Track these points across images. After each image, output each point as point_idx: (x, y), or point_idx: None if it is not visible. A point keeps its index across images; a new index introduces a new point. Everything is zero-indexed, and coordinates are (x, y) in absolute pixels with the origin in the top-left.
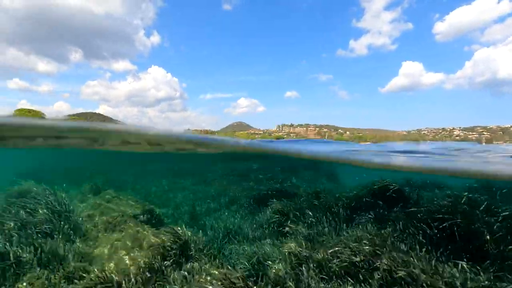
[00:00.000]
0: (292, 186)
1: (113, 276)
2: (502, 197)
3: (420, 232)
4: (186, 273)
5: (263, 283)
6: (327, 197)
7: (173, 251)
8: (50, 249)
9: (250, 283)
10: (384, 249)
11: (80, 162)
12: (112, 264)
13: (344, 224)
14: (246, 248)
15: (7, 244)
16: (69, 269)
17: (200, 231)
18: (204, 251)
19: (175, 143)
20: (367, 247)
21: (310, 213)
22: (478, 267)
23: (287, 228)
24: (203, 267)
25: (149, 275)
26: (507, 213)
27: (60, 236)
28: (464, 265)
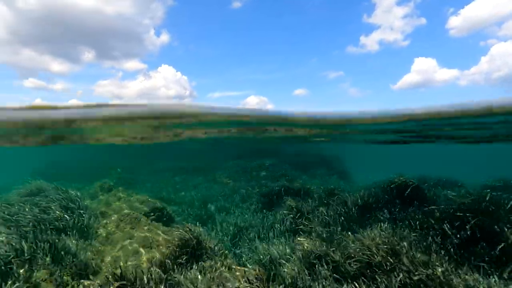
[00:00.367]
0: (304, 184)
1: (125, 274)
2: None
3: (439, 232)
4: (198, 272)
5: (275, 283)
6: (341, 195)
7: (185, 250)
8: (63, 246)
9: (265, 282)
10: (403, 249)
11: (91, 160)
12: (122, 263)
13: (359, 223)
14: (258, 246)
15: (23, 240)
16: (81, 266)
17: (211, 228)
18: (216, 250)
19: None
20: (385, 247)
21: (324, 211)
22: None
23: (301, 226)
24: (214, 267)
25: (161, 273)
26: None
27: (74, 233)
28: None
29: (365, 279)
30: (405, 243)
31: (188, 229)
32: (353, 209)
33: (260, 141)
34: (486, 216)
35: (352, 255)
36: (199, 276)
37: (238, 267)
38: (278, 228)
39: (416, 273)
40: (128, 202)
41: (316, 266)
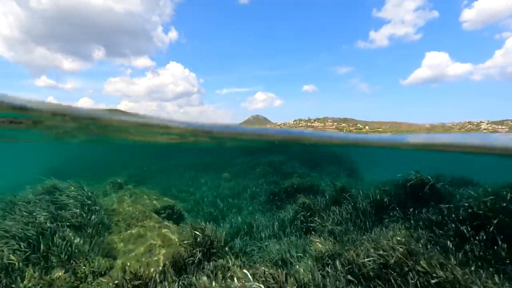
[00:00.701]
0: (314, 181)
1: (139, 273)
2: None
3: (457, 232)
4: (209, 272)
5: (287, 284)
6: (353, 193)
7: (197, 248)
8: (78, 243)
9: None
10: (419, 250)
11: (103, 158)
12: (135, 261)
13: (371, 223)
14: (269, 245)
15: (40, 237)
16: (95, 263)
17: (222, 226)
18: (227, 248)
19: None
20: (401, 248)
21: (335, 209)
22: None
23: (312, 225)
24: (227, 266)
25: (173, 272)
26: None
27: (88, 230)
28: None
29: (379, 281)
30: (421, 244)
31: (199, 227)
32: (366, 208)
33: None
34: (507, 216)
35: (366, 255)
36: (212, 276)
37: (257, 265)
38: (289, 226)
39: (434, 275)
40: (139, 200)
41: (329, 266)
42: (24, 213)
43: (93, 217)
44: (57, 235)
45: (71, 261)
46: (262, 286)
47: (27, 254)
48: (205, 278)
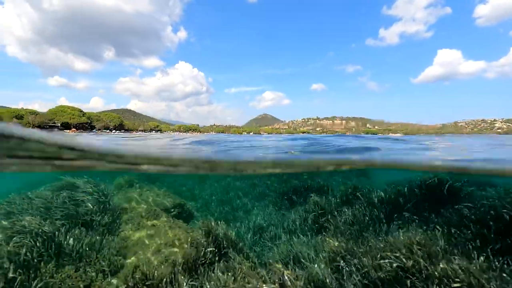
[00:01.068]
0: (324, 180)
1: (149, 273)
2: None
3: (478, 235)
4: (220, 273)
5: (301, 286)
6: (365, 193)
7: (207, 249)
8: (89, 242)
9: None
10: (440, 254)
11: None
12: (146, 261)
13: (386, 223)
14: (280, 245)
15: (52, 234)
16: (105, 262)
17: (231, 226)
18: (237, 248)
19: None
20: (419, 250)
21: (347, 209)
22: None
23: (324, 225)
24: (237, 266)
25: (184, 273)
26: None
27: (100, 229)
28: None
29: (397, 285)
30: (440, 246)
31: (209, 226)
32: (380, 208)
33: None
34: None
35: (382, 258)
36: (225, 277)
37: (277, 265)
38: (300, 227)
39: (457, 279)
40: (149, 198)
41: (344, 269)
42: (41, 209)
43: (104, 215)
44: (70, 233)
45: (82, 259)
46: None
47: (40, 251)
48: (220, 274)
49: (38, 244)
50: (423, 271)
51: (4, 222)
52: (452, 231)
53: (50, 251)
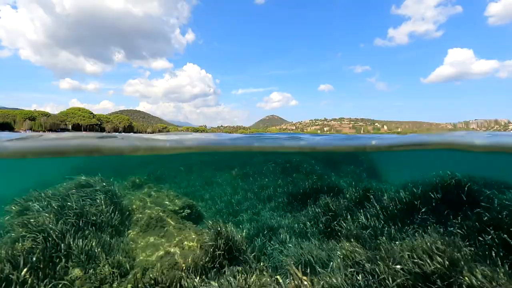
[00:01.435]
0: (334, 182)
1: (159, 278)
2: None
3: (500, 242)
4: (232, 278)
5: None
6: (377, 195)
7: (217, 252)
8: (98, 243)
9: None
10: (461, 260)
11: (124, 155)
12: (155, 264)
13: (401, 227)
14: (291, 248)
15: (63, 235)
16: (114, 265)
17: (241, 228)
18: (248, 252)
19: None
20: (439, 257)
21: (360, 212)
22: None
23: (336, 228)
24: (249, 270)
25: (194, 277)
26: None
27: (109, 230)
28: None
29: None
30: (461, 253)
31: (219, 229)
32: (394, 211)
33: None
34: None
35: (400, 264)
36: (237, 282)
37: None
38: (310, 229)
39: None
40: (159, 199)
41: (359, 274)
42: (54, 207)
43: (115, 216)
44: (79, 234)
45: (91, 261)
46: None
47: (50, 252)
48: (232, 278)
49: (48, 244)
50: (444, 279)
51: (17, 221)
52: (472, 235)
53: (59, 252)
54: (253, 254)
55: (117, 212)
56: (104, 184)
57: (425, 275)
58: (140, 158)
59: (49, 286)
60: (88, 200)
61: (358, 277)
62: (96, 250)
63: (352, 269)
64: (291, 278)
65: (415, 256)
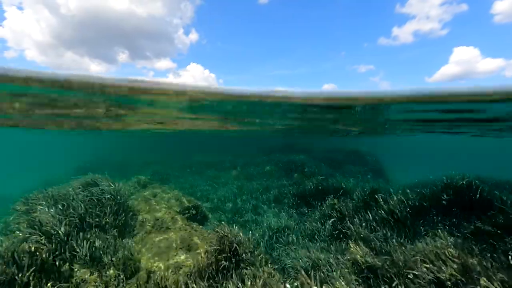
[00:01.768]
0: (340, 183)
1: (162, 280)
2: None
3: None
4: (240, 282)
5: None
6: (385, 196)
7: (224, 255)
8: (102, 246)
9: None
10: (477, 266)
11: (128, 155)
12: (161, 266)
13: (411, 231)
14: (298, 251)
15: (65, 237)
16: (120, 266)
17: (246, 228)
18: (255, 254)
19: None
20: (455, 264)
21: (367, 214)
22: None
23: (344, 230)
24: (258, 274)
25: (200, 281)
26: None
27: (113, 232)
28: None
29: None
30: (476, 258)
31: (225, 231)
32: (403, 213)
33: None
34: None
35: (412, 270)
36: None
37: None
38: (318, 231)
39: None
40: (164, 199)
41: (371, 280)
42: (60, 207)
43: (119, 217)
44: (83, 235)
45: (95, 263)
46: None
47: (55, 253)
48: (240, 283)
49: (53, 246)
50: (459, 286)
51: (23, 220)
52: (485, 239)
53: (64, 254)
54: (260, 256)
55: (122, 213)
56: (109, 183)
57: (439, 281)
58: (145, 157)
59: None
60: (93, 200)
61: (370, 281)
62: (100, 252)
63: (364, 274)
64: (300, 282)
65: (427, 262)
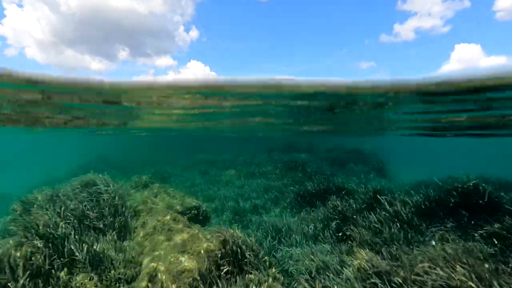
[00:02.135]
0: (343, 182)
1: (164, 285)
2: None
3: None
4: (244, 287)
5: None
6: (389, 197)
7: (227, 258)
8: (101, 248)
9: None
10: (487, 273)
11: (129, 155)
12: (163, 271)
13: (418, 234)
14: (301, 253)
15: (62, 241)
16: (120, 270)
17: (249, 229)
18: (259, 256)
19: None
20: (464, 270)
21: (371, 215)
22: None
23: (347, 232)
24: (263, 279)
25: (203, 286)
26: None
27: (113, 234)
28: None
29: None
30: (487, 263)
31: (227, 233)
32: (408, 215)
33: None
34: None
35: (419, 276)
36: None
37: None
38: (321, 233)
39: None
40: (165, 200)
41: (378, 286)
42: (58, 209)
43: (119, 218)
44: (82, 238)
45: (95, 267)
46: None
47: (53, 257)
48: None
49: (50, 250)
50: None
51: (19, 222)
52: (496, 244)
53: (62, 259)
54: (264, 259)
55: (122, 214)
56: (108, 184)
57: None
58: (146, 157)
59: None
60: (93, 201)
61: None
62: (100, 255)
63: (370, 281)
64: None
65: (437, 267)
